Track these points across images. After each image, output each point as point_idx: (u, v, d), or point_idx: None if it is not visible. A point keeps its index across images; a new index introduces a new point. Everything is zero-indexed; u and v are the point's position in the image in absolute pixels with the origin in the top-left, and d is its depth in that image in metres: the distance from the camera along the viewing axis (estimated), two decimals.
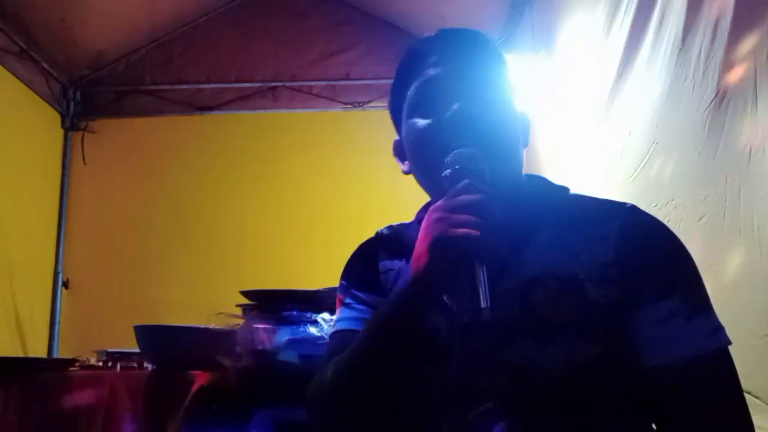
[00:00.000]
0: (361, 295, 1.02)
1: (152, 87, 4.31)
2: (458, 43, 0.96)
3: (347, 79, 4.21)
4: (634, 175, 2.04)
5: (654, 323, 0.83)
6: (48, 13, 3.57)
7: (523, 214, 0.92)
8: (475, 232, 0.76)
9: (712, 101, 1.58)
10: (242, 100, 4.27)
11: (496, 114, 0.92)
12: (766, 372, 1.40)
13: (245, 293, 2.23)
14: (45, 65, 3.86)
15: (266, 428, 1.96)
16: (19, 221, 3.56)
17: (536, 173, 1.03)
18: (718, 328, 0.83)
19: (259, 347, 2.02)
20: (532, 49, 3.17)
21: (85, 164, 4.15)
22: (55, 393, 2.15)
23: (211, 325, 2.24)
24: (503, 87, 0.96)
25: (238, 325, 2.18)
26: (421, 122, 0.93)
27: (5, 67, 3.47)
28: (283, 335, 2.02)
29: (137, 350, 2.33)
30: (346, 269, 1.09)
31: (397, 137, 1.03)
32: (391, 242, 1.05)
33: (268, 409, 1.99)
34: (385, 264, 1.03)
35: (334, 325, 1.03)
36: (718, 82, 1.56)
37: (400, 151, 1.02)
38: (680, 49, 1.75)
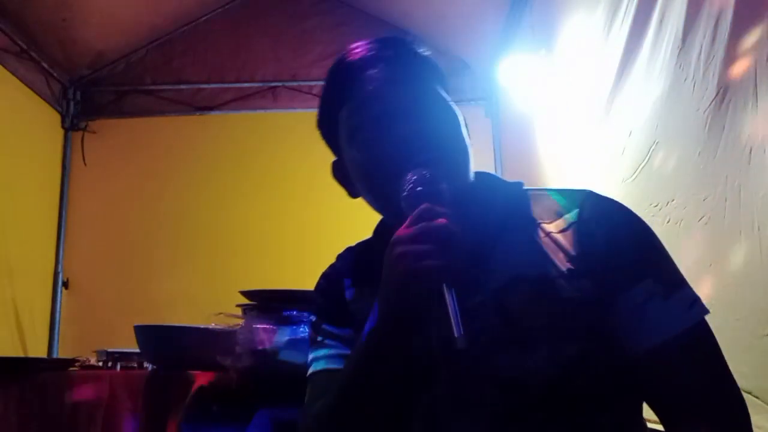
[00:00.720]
0: (333, 330, 0.99)
1: (152, 87, 4.31)
2: (388, 56, 0.93)
3: None
4: (635, 175, 2.03)
5: (631, 309, 0.82)
6: (48, 13, 3.57)
7: (483, 220, 0.90)
8: (439, 263, 0.74)
9: (712, 101, 1.58)
10: (242, 100, 4.27)
11: (442, 124, 0.90)
12: (766, 372, 1.40)
13: (245, 293, 2.23)
14: (45, 65, 3.85)
15: (266, 428, 1.96)
16: (19, 221, 3.56)
17: (485, 171, 1.00)
18: (695, 301, 0.84)
19: (259, 347, 2.03)
20: (532, 49, 3.17)
21: (85, 164, 4.15)
22: (55, 393, 2.15)
23: (211, 325, 2.24)
24: (439, 93, 0.93)
25: (238, 325, 2.18)
26: (366, 146, 0.90)
27: (5, 67, 3.47)
28: (283, 335, 2.02)
29: (137, 350, 2.34)
30: (315, 299, 1.06)
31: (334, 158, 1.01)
32: (354, 267, 1.04)
33: (268, 409, 1.99)
34: (351, 292, 1.00)
35: (309, 364, 0.99)
36: (719, 81, 1.56)
37: (341, 175, 0.99)
38: (680, 49, 1.75)
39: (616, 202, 0.91)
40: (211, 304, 2.34)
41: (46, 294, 3.93)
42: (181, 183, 4.17)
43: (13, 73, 3.55)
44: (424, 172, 0.82)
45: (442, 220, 0.76)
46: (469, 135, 0.95)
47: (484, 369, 0.84)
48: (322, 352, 0.99)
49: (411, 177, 0.82)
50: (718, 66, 1.57)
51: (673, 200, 1.79)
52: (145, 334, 2.27)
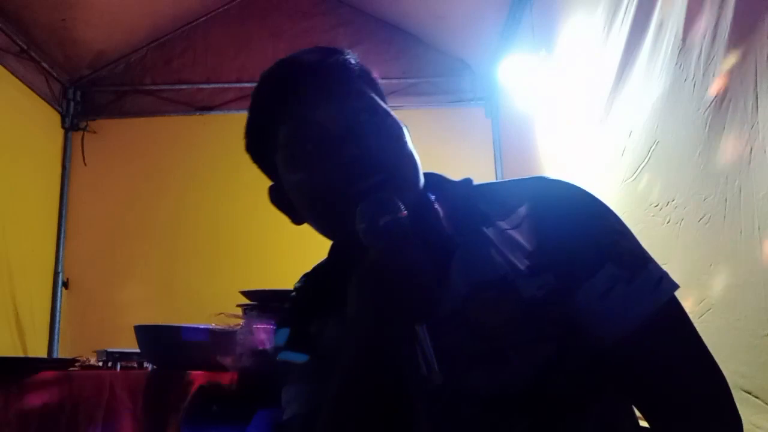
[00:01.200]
0: (297, 359, 0.94)
1: (152, 87, 4.31)
2: (323, 70, 0.86)
3: None
4: (635, 175, 2.03)
5: (595, 299, 0.77)
6: (48, 13, 3.57)
7: (437, 231, 0.85)
8: (412, 302, 0.73)
9: (712, 101, 1.58)
10: (242, 100, 4.26)
11: (387, 139, 0.84)
12: (767, 372, 1.40)
13: (245, 293, 2.23)
14: (45, 65, 3.85)
15: (266, 428, 1.96)
16: (19, 221, 3.56)
17: (432, 172, 0.92)
18: (661, 278, 0.79)
19: (259, 347, 2.02)
20: (532, 49, 3.17)
21: (85, 164, 4.15)
22: (55, 393, 2.15)
23: (211, 325, 2.24)
24: (379, 104, 0.87)
25: (238, 325, 2.18)
26: (310, 171, 0.83)
27: (5, 67, 3.47)
28: (283, 335, 2.02)
29: (137, 350, 2.34)
30: (279, 324, 1.01)
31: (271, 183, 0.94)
32: (313, 296, 0.98)
33: (268, 409, 1.99)
34: (315, 325, 0.94)
35: (284, 409, 0.94)
36: (719, 81, 1.56)
37: (281, 201, 0.92)
38: (680, 49, 1.75)
39: (568, 184, 0.86)
40: (211, 304, 2.34)
41: (46, 294, 3.93)
42: (181, 183, 4.17)
43: (13, 73, 3.55)
44: (381, 201, 0.77)
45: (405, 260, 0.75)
46: (411, 141, 0.88)
47: (459, 390, 0.78)
48: (290, 393, 0.93)
49: (367, 208, 0.77)
50: (718, 66, 1.57)
51: (673, 200, 1.79)
52: (145, 334, 2.27)
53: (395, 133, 0.86)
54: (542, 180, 0.86)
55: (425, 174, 0.89)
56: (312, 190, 0.84)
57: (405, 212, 0.77)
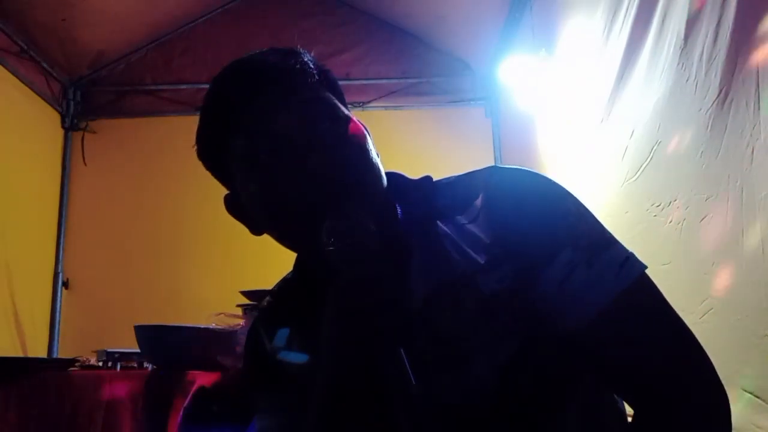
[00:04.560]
0: (273, 400, 0.92)
1: (152, 87, 4.31)
2: (281, 73, 0.81)
3: (347, 79, 4.20)
4: (637, 175, 2.03)
5: (557, 285, 0.74)
6: (48, 13, 3.56)
7: (396, 232, 0.82)
8: (391, 324, 0.74)
9: (714, 101, 1.58)
10: None
11: (350, 148, 0.80)
12: (767, 372, 1.39)
13: (245, 293, 2.23)
14: (45, 65, 3.85)
15: None
16: (19, 221, 3.56)
17: (393, 171, 0.89)
18: (626, 260, 0.75)
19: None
20: (532, 50, 3.16)
21: (85, 164, 4.15)
22: (55, 393, 2.14)
23: (211, 325, 2.24)
24: (341, 109, 0.83)
25: (238, 325, 2.18)
26: (268, 182, 0.79)
27: (5, 67, 3.47)
28: (283, 335, 2.01)
29: (137, 350, 2.34)
30: (245, 369, 0.98)
31: (226, 192, 0.91)
32: (278, 314, 0.96)
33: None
34: (282, 337, 0.92)
35: None
36: (721, 81, 1.56)
37: (237, 211, 0.89)
38: (682, 49, 1.75)
39: (522, 171, 0.82)
40: (211, 304, 2.34)
41: (46, 294, 3.92)
42: (181, 183, 4.15)
43: (13, 73, 3.55)
44: (349, 218, 0.74)
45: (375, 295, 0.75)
46: (374, 146, 0.84)
47: (429, 398, 0.75)
48: (263, 422, 0.93)
49: (335, 226, 0.74)
50: (720, 66, 1.56)
51: (675, 200, 1.79)
52: (145, 334, 2.27)
53: (357, 141, 0.81)
54: (495, 169, 0.83)
55: (389, 174, 0.86)
56: (272, 203, 0.80)
57: (374, 228, 0.75)
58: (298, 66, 0.82)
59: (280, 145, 0.78)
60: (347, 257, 0.74)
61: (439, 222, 0.81)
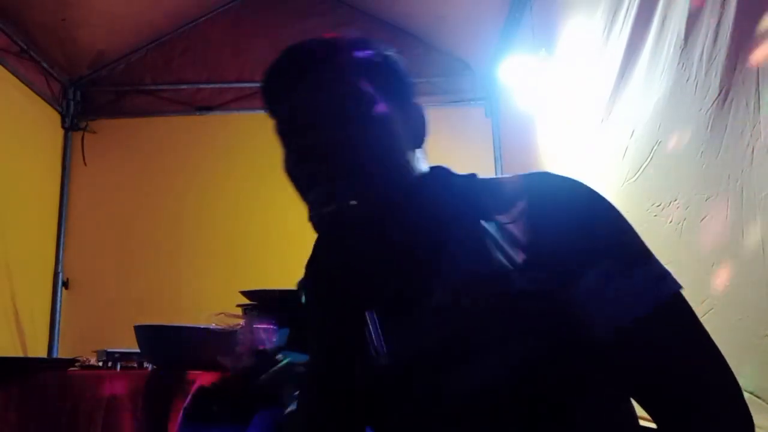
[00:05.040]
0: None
1: (152, 87, 4.31)
2: (314, 61, 0.88)
3: None
4: (637, 175, 2.03)
5: (590, 293, 0.76)
6: (48, 13, 3.56)
7: (427, 221, 0.87)
8: (351, 289, 0.79)
9: (714, 100, 1.58)
10: (242, 100, 4.26)
11: (360, 131, 0.84)
12: (767, 372, 1.39)
13: (245, 293, 2.23)
14: (45, 65, 3.85)
15: (266, 428, 1.96)
16: (19, 221, 3.56)
17: (439, 165, 0.94)
18: (661, 277, 0.77)
19: (259, 347, 2.02)
20: (532, 50, 3.16)
21: (85, 164, 4.15)
22: (55, 393, 2.14)
23: (211, 325, 2.24)
24: (368, 96, 0.86)
25: (238, 325, 2.18)
26: (285, 155, 0.89)
27: (5, 67, 3.47)
28: (283, 335, 2.02)
29: (137, 350, 2.34)
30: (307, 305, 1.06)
31: None
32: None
33: (268, 409, 1.98)
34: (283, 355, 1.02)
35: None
36: (721, 81, 1.55)
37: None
38: (683, 49, 1.75)
39: (570, 180, 0.84)
40: (211, 304, 2.33)
41: (46, 294, 3.92)
42: (181, 183, 4.16)
43: (13, 73, 3.55)
44: (329, 190, 0.81)
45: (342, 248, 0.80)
46: (418, 135, 0.91)
47: (449, 383, 0.79)
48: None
49: (314, 197, 0.82)
50: (720, 65, 1.56)
51: (675, 200, 1.79)
52: (145, 334, 2.27)
53: (376, 126, 0.85)
54: (544, 175, 0.86)
55: (434, 168, 0.92)
56: (285, 167, 0.89)
57: (354, 202, 0.80)
58: (329, 51, 0.88)
59: (291, 119, 0.87)
60: (320, 224, 0.82)
61: (479, 218, 0.84)
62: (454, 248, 0.83)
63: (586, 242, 0.78)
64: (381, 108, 0.86)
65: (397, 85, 0.91)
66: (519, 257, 0.79)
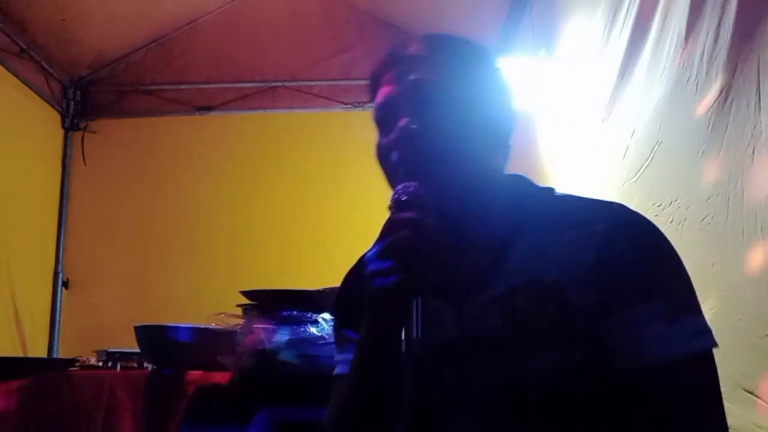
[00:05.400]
0: (350, 335, 1.00)
1: (152, 87, 4.31)
2: (415, 55, 0.92)
3: (347, 79, 4.20)
4: (638, 175, 2.03)
5: (632, 326, 0.80)
6: (48, 13, 3.57)
7: (499, 220, 0.91)
8: (403, 277, 0.78)
9: (715, 100, 1.58)
10: (242, 100, 4.26)
11: (445, 127, 0.88)
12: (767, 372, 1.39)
13: (245, 293, 2.23)
14: (45, 65, 3.85)
15: (266, 428, 1.96)
16: (19, 221, 3.56)
17: (518, 173, 1.00)
18: (701, 332, 0.80)
19: (259, 347, 2.02)
20: (532, 50, 3.16)
21: (85, 164, 4.15)
22: (55, 393, 2.14)
23: (211, 325, 2.24)
24: (459, 93, 0.90)
25: (238, 325, 2.18)
26: (378, 138, 0.93)
27: (5, 67, 3.47)
28: (283, 335, 2.02)
29: (137, 350, 2.33)
30: (335, 305, 1.08)
31: None
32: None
33: (268, 409, 1.98)
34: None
35: (334, 366, 1.04)
36: (722, 81, 1.55)
37: None
38: (683, 49, 1.75)
39: (646, 219, 0.88)
40: (211, 304, 2.33)
41: (46, 294, 3.93)
42: (181, 183, 4.16)
43: (13, 73, 3.55)
44: (409, 184, 0.84)
45: (406, 232, 0.80)
46: (502, 136, 0.96)
47: (481, 370, 0.84)
48: (339, 356, 1.02)
49: (398, 187, 0.85)
50: (720, 66, 1.56)
51: (676, 200, 1.79)
52: (145, 334, 2.27)
53: (464, 124, 0.89)
54: (623, 207, 0.90)
55: (512, 175, 0.97)
56: (376, 153, 0.93)
57: (428, 198, 0.83)
58: (427, 50, 0.93)
59: (382, 112, 0.92)
60: (391, 224, 0.83)
61: (547, 229, 0.88)
62: (517, 252, 0.87)
63: (646, 278, 0.81)
64: (463, 104, 0.90)
65: (489, 86, 0.95)
66: (578, 274, 0.83)
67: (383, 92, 0.92)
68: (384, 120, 0.92)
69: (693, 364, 0.79)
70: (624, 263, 0.82)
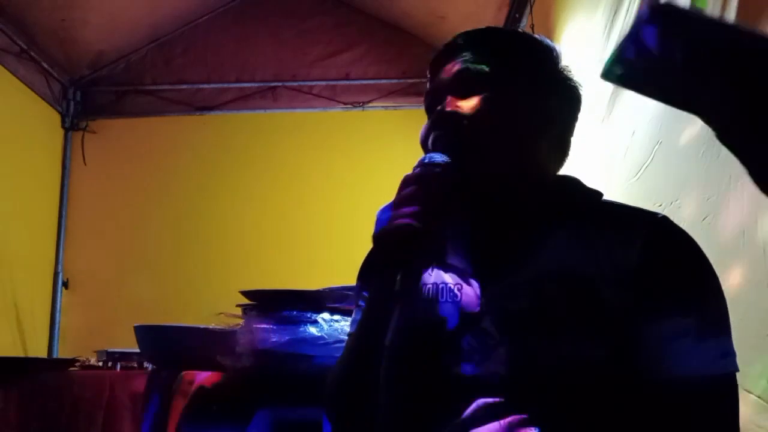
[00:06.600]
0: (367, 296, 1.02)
1: (152, 87, 4.31)
2: (466, 47, 0.96)
3: (347, 79, 4.20)
4: (638, 174, 2.03)
5: (662, 338, 0.81)
6: (48, 13, 3.57)
7: (540, 209, 0.92)
8: (416, 224, 0.81)
9: None
10: (242, 100, 4.26)
11: (485, 115, 0.91)
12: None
13: (245, 293, 2.22)
14: (45, 65, 3.85)
15: (266, 428, 1.96)
16: (19, 221, 3.56)
17: (572, 175, 1.03)
18: (727, 354, 0.81)
19: (259, 347, 2.02)
20: None
21: (85, 164, 4.15)
22: (55, 393, 2.14)
23: (211, 325, 2.24)
24: (502, 88, 0.93)
25: (238, 325, 2.18)
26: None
27: (5, 67, 3.47)
28: (283, 335, 2.01)
29: (137, 350, 2.33)
30: (361, 268, 1.09)
31: None
32: None
33: (268, 409, 1.98)
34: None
35: (351, 325, 1.06)
36: None
37: None
38: None
39: (688, 235, 0.89)
40: (211, 304, 2.33)
41: (46, 294, 3.93)
42: (181, 183, 4.17)
43: (13, 73, 3.55)
44: (437, 157, 0.87)
45: (411, 190, 0.84)
46: (555, 133, 0.99)
47: (500, 348, 0.85)
48: (357, 315, 1.03)
49: (421, 159, 0.88)
50: None
51: (676, 200, 1.79)
52: (145, 334, 2.27)
53: (507, 115, 0.92)
54: (668, 220, 0.90)
55: (563, 176, 1.01)
56: (420, 135, 0.97)
57: (439, 169, 0.86)
58: (493, 39, 0.99)
59: (435, 95, 0.96)
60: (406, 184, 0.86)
61: (591, 225, 0.89)
62: (555, 241, 0.89)
63: (688, 292, 0.83)
64: (510, 96, 0.93)
65: (546, 84, 0.99)
66: (616, 273, 0.84)
67: (433, 81, 0.97)
68: (430, 107, 0.96)
69: (713, 383, 0.80)
70: (667, 272, 0.83)
